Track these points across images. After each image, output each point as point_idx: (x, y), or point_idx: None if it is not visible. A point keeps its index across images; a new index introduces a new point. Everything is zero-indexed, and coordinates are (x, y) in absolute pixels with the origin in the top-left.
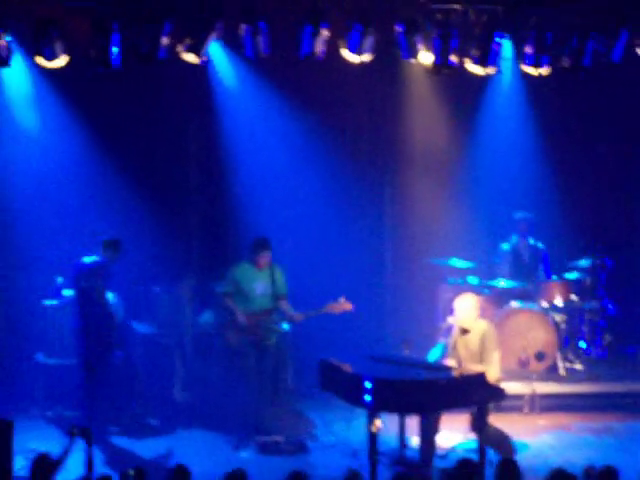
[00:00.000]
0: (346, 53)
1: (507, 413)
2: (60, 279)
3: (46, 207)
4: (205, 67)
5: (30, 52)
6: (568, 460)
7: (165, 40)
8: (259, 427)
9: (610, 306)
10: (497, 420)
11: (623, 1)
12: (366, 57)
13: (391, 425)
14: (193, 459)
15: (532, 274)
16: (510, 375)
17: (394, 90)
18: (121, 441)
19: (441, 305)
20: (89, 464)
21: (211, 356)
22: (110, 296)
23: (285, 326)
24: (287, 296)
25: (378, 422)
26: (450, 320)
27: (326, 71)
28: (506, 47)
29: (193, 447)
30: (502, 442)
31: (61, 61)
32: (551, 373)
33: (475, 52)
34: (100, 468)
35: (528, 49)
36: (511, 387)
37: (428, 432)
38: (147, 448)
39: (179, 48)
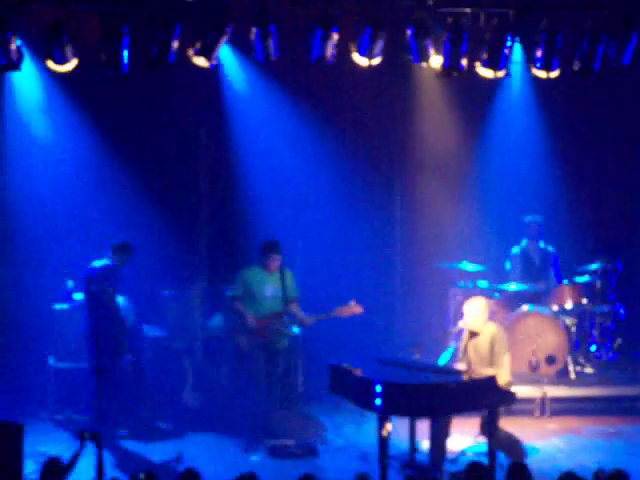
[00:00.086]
0: (356, 57)
1: (517, 417)
2: (70, 283)
3: (56, 210)
4: (215, 71)
5: (40, 56)
6: (578, 464)
7: (175, 44)
8: (269, 430)
9: (621, 310)
10: (507, 424)
11: (634, 5)
12: (376, 61)
13: (401, 429)
14: (203, 462)
15: (542, 278)
16: (520, 379)
17: (404, 94)
18: (131, 445)
19: (451, 309)
20: (99, 468)
21: (221, 360)
22: (120, 300)
23: (295, 329)
24: (297, 299)
25: (388, 426)
26: (460, 324)
27: (336, 75)
28: (516, 51)
29: (203, 450)
30: (512, 446)
31: (71, 65)
32: (561, 377)
33: (485, 55)
34: (110, 472)
35: (538, 52)
36: (522, 391)
37: (438, 436)
38: (157, 452)
39: (189, 52)
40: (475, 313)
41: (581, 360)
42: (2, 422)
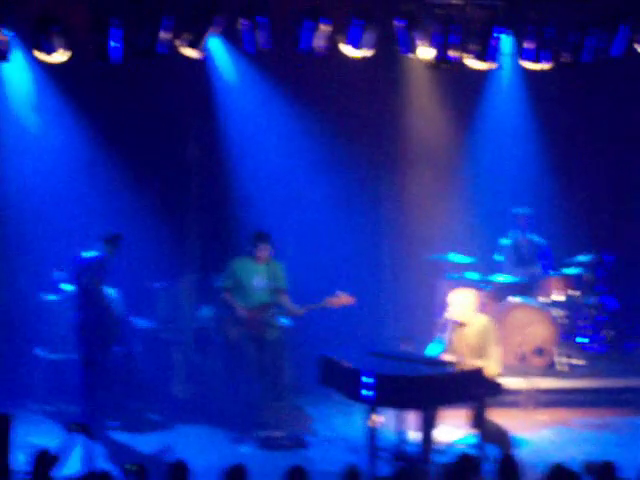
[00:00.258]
0: (346, 48)
1: (507, 408)
2: (59, 274)
3: (46, 202)
4: (204, 62)
5: (30, 47)
6: (567, 455)
7: (164, 35)
8: (258, 422)
9: (610, 301)
10: (497, 415)
11: None
12: (366, 52)
13: (390, 420)
14: (193, 454)
15: (532, 269)
16: (510, 370)
17: (394, 85)
18: (121, 436)
19: (440, 300)
20: (89, 459)
21: (211, 351)
22: (110, 291)
23: (284, 321)
24: (287, 291)
25: (377, 417)
26: (445, 315)
27: (325, 66)
28: (506, 42)
29: (193, 442)
30: (501, 437)
31: (61, 56)
32: (551, 368)
33: (475, 47)
34: (100, 463)
35: (528, 44)
36: (511, 382)
37: (427, 427)
38: (147, 443)
39: (178, 43)
40: (460, 304)
41: (570, 352)
42: None
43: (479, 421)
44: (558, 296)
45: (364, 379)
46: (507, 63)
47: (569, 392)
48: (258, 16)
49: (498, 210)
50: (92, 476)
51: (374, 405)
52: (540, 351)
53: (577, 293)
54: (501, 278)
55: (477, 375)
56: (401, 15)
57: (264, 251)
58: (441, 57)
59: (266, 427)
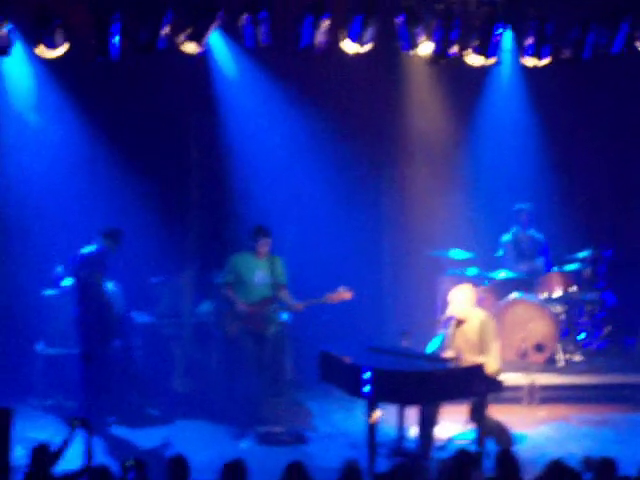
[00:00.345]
0: (346, 44)
1: (506, 404)
2: (59, 269)
3: (45, 197)
4: (205, 57)
5: (31, 42)
6: (567, 451)
7: (165, 30)
8: (258, 417)
9: (609, 298)
10: (496, 411)
11: None
12: (367, 48)
13: (390, 416)
14: (192, 449)
15: (532, 265)
16: (509, 366)
17: (394, 81)
18: (120, 431)
19: (440, 297)
20: (88, 454)
21: (210, 346)
22: (110, 286)
23: (284, 316)
24: (287, 286)
25: (377, 413)
26: (447, 312)
27: (326, 62)
28: (506, 38)
29: (192, 437)
30: (501, 433)
31: (61, 50)
32: (550, 364)
33: (475, 43)
34: (100, 458)
35: (528, 40)
36: (510, 378)
37: (427, 423)
38: (146, 438)
39: (179, 38)
40: (460, 300)
41: (570, 348)
42: None
43: (479, 417)
44: (558, 292)
45: (363, 375)
46: (507, 59)
47: (568, 388)
48: (260, 11)
49: (499, 206)
50: (90, 470)
51: (373, 401)
52: (540, 347)
53: (576, 289)
54: (502, 274)
55: (477, 371)
56: (402, 11)
57: (265, 246)
58: (441, 53)
59: (266, 422)
